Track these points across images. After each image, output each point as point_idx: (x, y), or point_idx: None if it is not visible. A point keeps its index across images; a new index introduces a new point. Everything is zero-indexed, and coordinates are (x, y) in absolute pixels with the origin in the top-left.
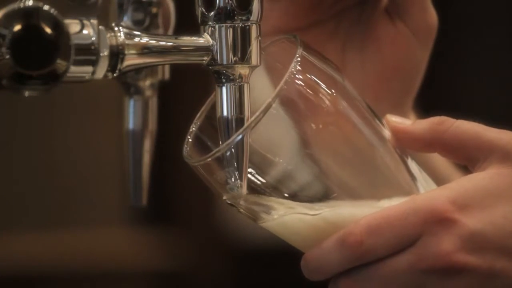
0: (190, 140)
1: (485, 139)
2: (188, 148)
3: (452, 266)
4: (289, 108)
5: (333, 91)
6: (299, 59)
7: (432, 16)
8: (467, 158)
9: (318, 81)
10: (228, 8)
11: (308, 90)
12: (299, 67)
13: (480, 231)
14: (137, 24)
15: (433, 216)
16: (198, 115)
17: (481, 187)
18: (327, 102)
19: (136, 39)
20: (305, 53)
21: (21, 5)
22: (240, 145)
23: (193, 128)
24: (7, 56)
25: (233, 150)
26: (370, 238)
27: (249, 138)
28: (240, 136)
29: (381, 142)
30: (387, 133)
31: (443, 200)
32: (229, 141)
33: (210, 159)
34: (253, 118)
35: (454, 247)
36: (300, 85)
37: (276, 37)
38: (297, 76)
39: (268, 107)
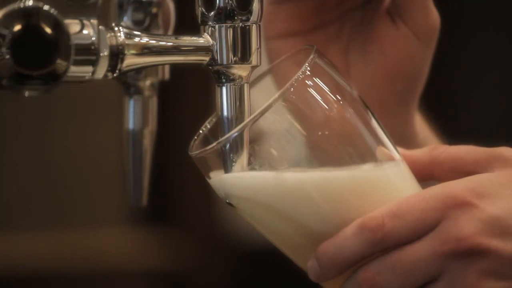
0: (201, 133)
1: (481, 152)
2: (196, 142)
3: (474, 249)
4: (292, 109)
5: (340, 99)
6: (307, 64)
7: (434, 17)
8: (467, 175)
9: (327, 88)
10: (228, 8)
11: (314, 95)
12: (308, 72)
13: (500, 217)
14: (137, 24)
15: (453, 201)
16: (214, 115)
17: (496, 181)
18: (332, 108)
19: (136, 39)
20: (318, 60)
21: (21, 5)
22: (238, 141)
23: (208, 126)
24: (7, 56)
25: (231, 145)
26: (391, 221)
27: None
28: (237, 133)
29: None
30: (392, 147)
31: (462, 187)
32: (227, 135)
33: (208, 152)
34: (253, 116)
35: (476, 229)
36: (307, 88)
37: (295, 49)
38: (305, 80)
39: (269, 106)
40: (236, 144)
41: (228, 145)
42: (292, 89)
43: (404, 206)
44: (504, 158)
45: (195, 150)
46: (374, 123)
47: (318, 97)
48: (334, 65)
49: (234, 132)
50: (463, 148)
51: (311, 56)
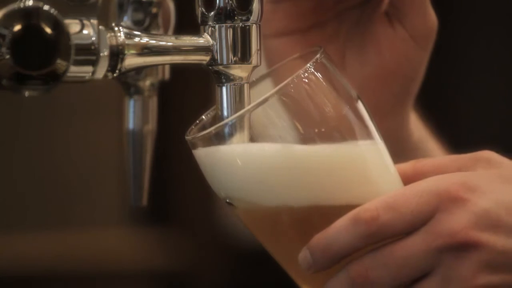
0: (202, 120)
1: (464, 157)
2: (195, 128)
3: (468, 242)
4: (290, 105)
5: (341, 101)
6: (311, 63)
7: (432, 19)
8: None
9: (328, 89)
10: (228, 8)
11: (314, 93)
12: (311, 70)
13: (492, 209)
14: (137, 24)
15: (447, 194)
16: (213, 107)
17: (486, 175)
18: (331, 109)
19: (136, 39)
20: (324, 60)
21: (21, 5)
22: (234, 128)
23: (209, 115)
24: (7, 56)
25: (227, 131)
26: (386, 213)
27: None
28: (233, 121)
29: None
30: (385, 151)
31: (454, 182)
32: (222, 122)
33: (202, 137)
34: (250, 106)
35: (468, 223)
36: (307, 86)
37: (304, 51)
38: (306, 77)
39: (265, 100)
40: (233, 131)
41: (224, 131)
42: (292, 84)
43: (399, 198)
44: (486, 159)
45: (191, 135)
46: (373, 129)
47: (318, 96)
48: (338, 68)
49: (230, 120)
50: (446, 158)
51: (317, 56)
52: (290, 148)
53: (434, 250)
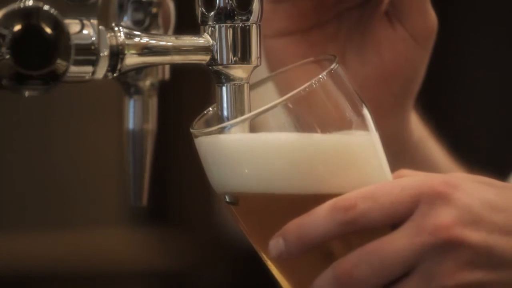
0: (210, 111)
1: (439, 174)
2: (200, 120)
3: (450, 240)
4: (298, 114)
5: (349, 114)
6: (324, 74)
7: (432, 19)
8: None
9: (342, 98)
10: (228, 8)
11: (323, 103)
12: (324, 80)
13: (475, 205)
14: (137, 24)
15: (431, 189)
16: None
17: (467, 177)
18: (340, 115)
19: (136, 39)
20: (340, 70)
21: (21, 5)
22: (239, 129)
23: (215, 108)
24: (7, 56)
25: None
26: (364, 202)
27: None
28: (240, 122)
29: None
30: (384, 159)
31: (436, 179)
32: (229, 122)
33: (206, 133)
34: (259, 110)
35: (452, 219)
36: (319, 94)
37: (319, 57)
38: (321, 85)
39: (274, 106)
40: (238, 130)
41: (229, 131)
42: (303, 93)
43: (379, 190)
44: (458, 175)
45: (197, 127)
46: (378, 144)
47: (327, 107)
48: (350, 78)
49: (238, 120)
50: (425, 174)
51: (333, 65)
52: (290, 136)
53: (418, 246)
